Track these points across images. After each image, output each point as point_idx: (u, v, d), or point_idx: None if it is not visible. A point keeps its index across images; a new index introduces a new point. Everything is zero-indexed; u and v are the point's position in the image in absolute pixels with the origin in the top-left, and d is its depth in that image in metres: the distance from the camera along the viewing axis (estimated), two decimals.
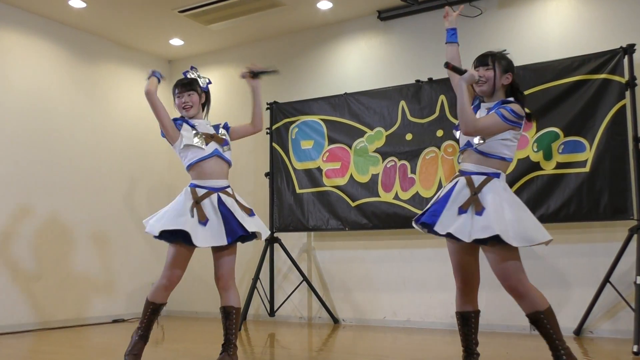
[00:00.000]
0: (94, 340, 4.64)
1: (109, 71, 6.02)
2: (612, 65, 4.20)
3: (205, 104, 3.19)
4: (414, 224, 2.70)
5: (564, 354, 2.46)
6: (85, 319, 5.48)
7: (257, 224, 3.08)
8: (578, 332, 4.25)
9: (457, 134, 2.70)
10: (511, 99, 2.64)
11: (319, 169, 5.34)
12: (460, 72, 2.57)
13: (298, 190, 5.42)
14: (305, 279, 5.38)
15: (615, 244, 4.14)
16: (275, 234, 5.48)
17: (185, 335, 4.82)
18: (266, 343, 4.48)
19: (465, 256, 2.61)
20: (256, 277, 5.24)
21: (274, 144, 5.58)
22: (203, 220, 2.90)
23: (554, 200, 4.30)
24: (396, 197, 4.94)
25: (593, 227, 4.40)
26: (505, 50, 2.74)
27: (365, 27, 5.55)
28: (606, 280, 4.11)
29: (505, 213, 2.45)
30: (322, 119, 5.38)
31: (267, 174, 5.59)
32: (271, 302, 5.52)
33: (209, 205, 2.96)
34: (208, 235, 2.90)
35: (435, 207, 2.57)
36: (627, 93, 4.16)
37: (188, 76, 3.13)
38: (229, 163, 3.14)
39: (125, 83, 6.16)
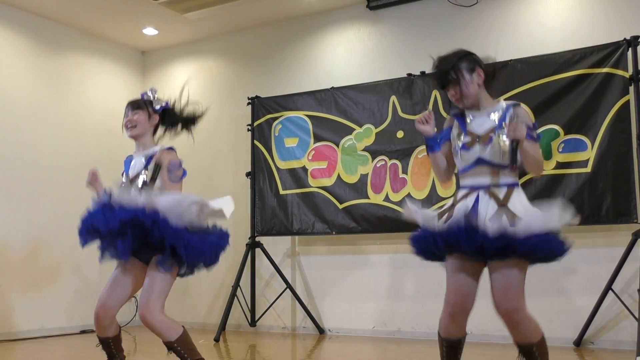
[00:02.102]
0: (59, 353, 4.56)
1: (76, 63, 5.94)
2: (615, 59, 4.22)
3: (165, 126, 3.05)
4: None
5: None
6: (50, 329, 5.41)
7: None
8: (578, 342, 4.26)
9: (465, 153, 2.52)
10: (514, 102, 2.55)
11: (304, 169, 5.31)
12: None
13: (281, 192, 5.39)
14: (289, 286, 5.35)
15: (618, 249, 4.16)
16: (257, 238, 5.45)
17: (159, 347, 4.76)
18: (247, 355, 4.46)
19: (470, 276, 2.47)
20: (236, 285, 5.21)
21: (255, 142, 5.54)
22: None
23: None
24: (386, 198, 4.93)
25: (594, 231, 4.41)
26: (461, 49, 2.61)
27: (354, 16, 5.53)
28: (608, 287, 4.12)
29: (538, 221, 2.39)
30: (307, 115, 5.35)
31: (248, 174, 5.55)
32: (252, 311, 5.49)
33: None
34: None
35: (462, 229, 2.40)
36: (631, 88, 4.19)
37: (143, 97, 3.04)
38: None
39: (94, 76, 6.08)
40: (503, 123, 2.47)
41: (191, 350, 2.81)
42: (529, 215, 2.36)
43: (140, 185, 2.87)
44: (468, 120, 2.54)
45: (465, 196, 2.49)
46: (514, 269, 2.37)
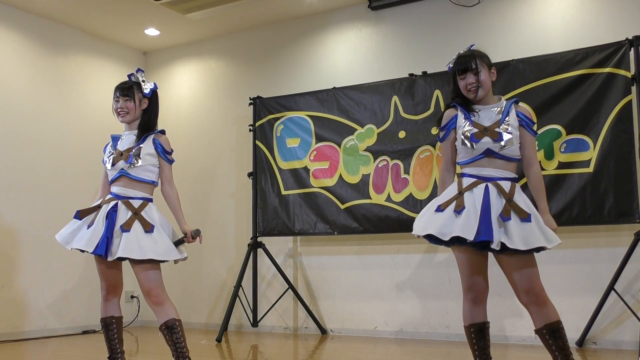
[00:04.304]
0: (60, 354, 4.58)
1: (78, 63, 5.96)
2: (617, 59, 4.23)
3: (150, 109, 3.11)
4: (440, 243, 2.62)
5: None
6: (51, 330, 5.43)
7: (136, 247, 2.82)
8: (581, 343, 4.26)
9: (475, 144, 2.61)
10: (514, 100, 2.76)
11: (306, 169, 5.33)
12: None
13: (283, 192, 5.40)
14: (290, 286, 5.37)
15: (620, 249, 4.17)
16: (259, 239, 5.46)
17: (161, 347, 4.78)
18: (248, 355, 4.47)
19: (481, 264, 2.63)
20: (238, 285, 5.22)
21: (257, 142, 5.56)
22: (89, 223, 2.95)
23: (555, 202, 4.30)
24: (388, 199, 4.94)
25: (597, 231, 4.42)
26: (472, 44, 2.86)
27: (355, 16, 5.54)
28: (610, 287, 4.13)
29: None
30: (309, 115, 5.37)
31: (250, 174, 5.57)
32: (254, 311, 5.50)
33: (103, 211, 2.95)
34: (85, 239, 2.90)
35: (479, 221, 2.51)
36: (633, 88, 4.19)
37: (131, 79, 3.10)
38: (140, 181, 2.98)
39: (96, 76, 6.09)
40: (506, 119, 2.64)
41: (185, 340, 2.90)
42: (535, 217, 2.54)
43: (130, 160, 2.95)
44: (474, 113, 2.69)
45: (472, 186, 2.59)
46: (528, 255, 2.53)
